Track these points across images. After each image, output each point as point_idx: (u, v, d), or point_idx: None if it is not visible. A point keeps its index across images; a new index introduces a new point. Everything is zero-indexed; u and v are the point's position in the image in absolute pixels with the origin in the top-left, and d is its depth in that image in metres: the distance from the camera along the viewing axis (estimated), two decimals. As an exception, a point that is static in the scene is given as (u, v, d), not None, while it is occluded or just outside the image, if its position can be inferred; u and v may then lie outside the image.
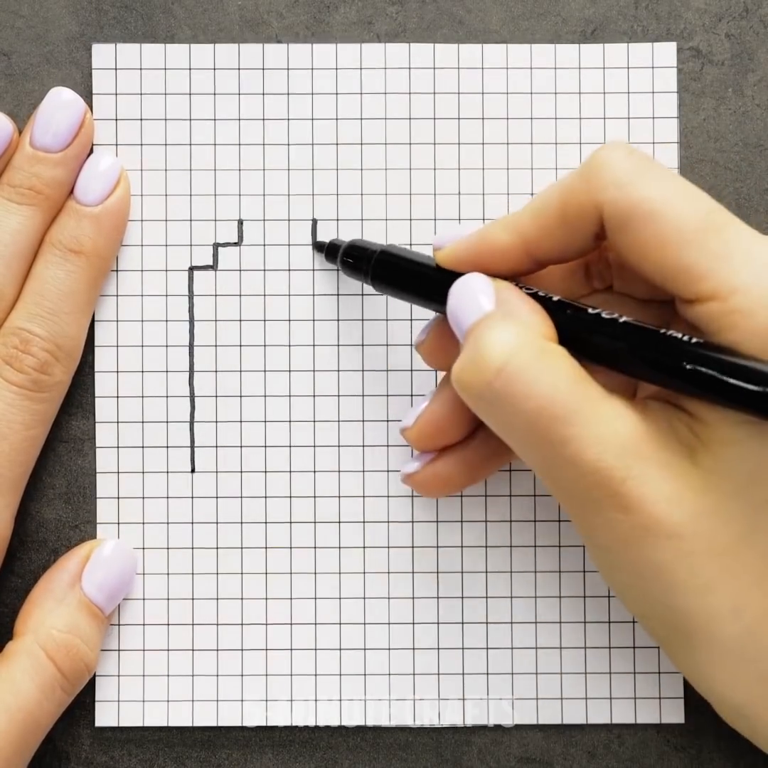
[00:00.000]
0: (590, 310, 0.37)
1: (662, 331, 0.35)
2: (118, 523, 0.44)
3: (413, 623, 0.44)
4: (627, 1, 0.44)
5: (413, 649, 0.44)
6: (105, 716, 0.44)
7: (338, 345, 0.44)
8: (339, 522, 0.44)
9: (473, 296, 0.37)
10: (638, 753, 0.44)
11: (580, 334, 0.37)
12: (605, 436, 0.35)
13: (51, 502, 0.44)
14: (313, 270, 0.44)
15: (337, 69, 0.44)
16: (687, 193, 0.36)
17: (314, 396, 0.44)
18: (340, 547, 0.44)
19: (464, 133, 0.44)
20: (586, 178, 0.37)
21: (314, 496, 0.44)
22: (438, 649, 0.44)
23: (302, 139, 0.44)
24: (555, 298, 0.38)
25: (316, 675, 0.44)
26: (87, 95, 0.44)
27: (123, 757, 0.44)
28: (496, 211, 0.44)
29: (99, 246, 0.43)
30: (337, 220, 0.44)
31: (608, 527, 0.36)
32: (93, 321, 0.44)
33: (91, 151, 0.44)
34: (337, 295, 0.44)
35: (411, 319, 0.44)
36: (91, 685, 0.44)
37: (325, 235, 0.44)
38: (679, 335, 0.35)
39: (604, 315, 0.36)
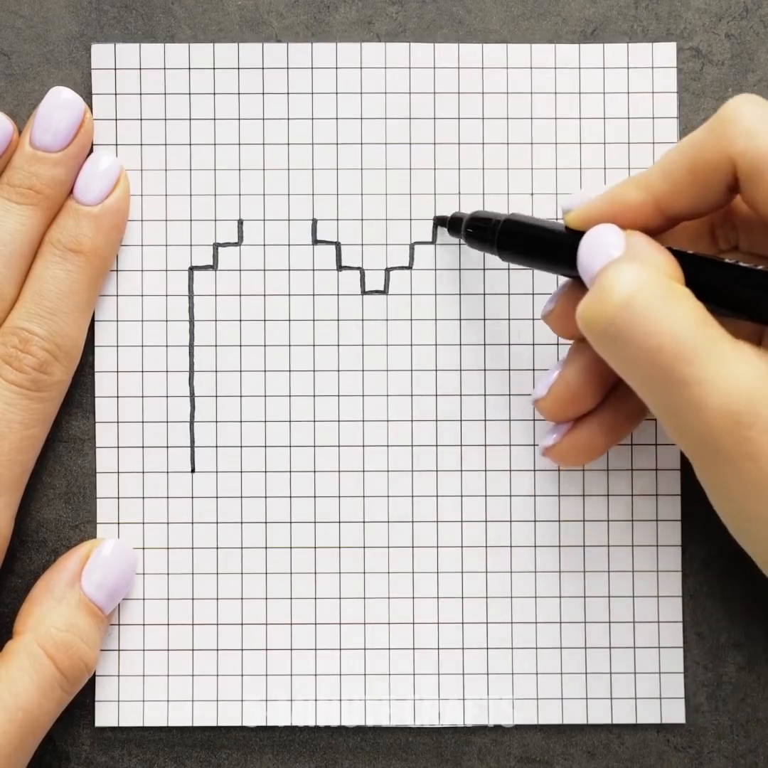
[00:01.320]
0: (727, 260, 0.37)
1: None
2: (118, 523, 0.44)
3: (413, 623, 0.44)
4: (627, 1, 0.44)
5: (413, 649, 0.44)
6: (105, 716, 0.44)
7: (338, 345, 0.44)
8: (339, 522, 0.44)
9: (603, 243, 0.37)
10: (638, 753, 0.44)
11: (715, 282, 0.37)
12: (730, 379, 0.34)
13: (51, 502, 0.44)
14: (313, 270, 0.44)
15: (337, 69, 0.44)
16: None
17: (314, 396, 0.44)
18: (340, 547, 0.44)
19: (464, 133, 0.44)
20: (716, 131, 0.37)
21: (314, 496, 0.44)
22: (438, 649, 0.44)
23: (302, 138, 0.44)
24: (689, 252, 0.37)
25: (316, 675, 0.44)
26: (87, 95, 0.44)
27: (123, 757, 0.44)
28: (496, 211, 0.44)
29: (98, 245, 0.43)
30: (337, 220, 0.44)
31: (736, 476, 0.35)
32: (93, 321, 0.44)
33: (91, 151, 0.44)
34: (337, 295, 0.44)
35: (411, 319, 0.44)
36: (91, 685, 0.44)
37: (324, 235, 0.44)
38: None
39: (741, 264, 0.36)
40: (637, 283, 0.35)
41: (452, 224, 0.43)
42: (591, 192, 0.40)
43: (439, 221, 0.44)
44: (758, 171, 0.36)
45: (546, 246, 0.40)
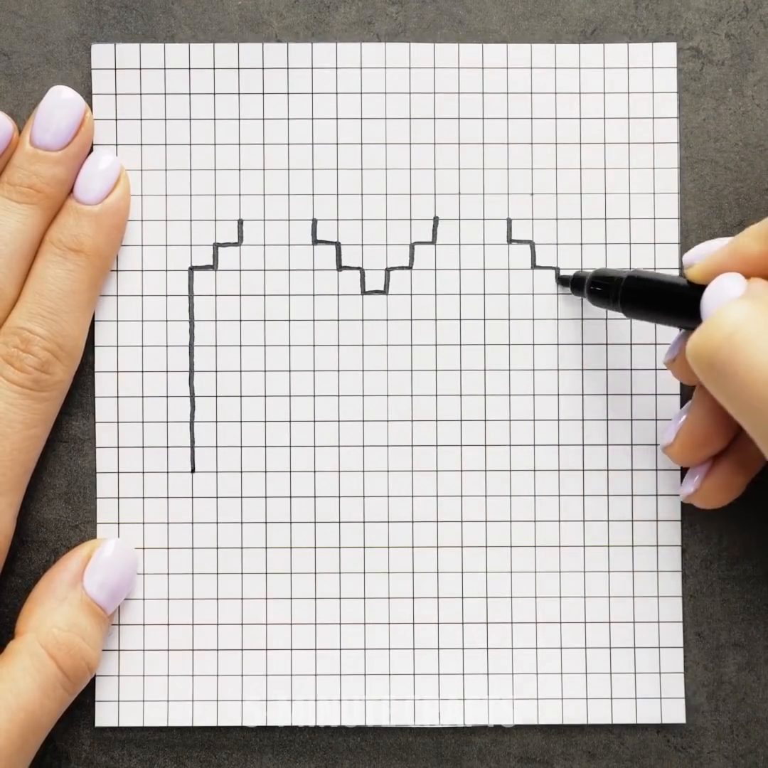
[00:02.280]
0: None
1: None
2: (118, 523, 0.44)
3: (413, 623, 0.44)
4: (627, 1, 0.44)
5: (413, 649, 0.44)
6: (105, 716, 0.44)
7: (338, 345, 0.44)
8: (339, 522, 0.44)
9: (724, 288, 0.37)
10: (638, 753, 0.44)
11: None
12: None
13: (51, 502, 0.44)
14: (313, 270, 0.44)
15: (337, 68, 0.44)
16: None
17: (314, 396, 0.44)
18: (340, 547, 0.44)
19: (464, 133, 0.44)
20: None
21: (314, 496, 0.44)
22: (438, 649, 0.44)
23: (302, 138, 0.44)
24: None
25: (316, 675, 0.44)
26: (87, 95, 0.44)
27: (123, 757, 0.44)
28: (496, 211, 0.44)
29: (99, 245, 0.43)
30: (337, 220, 0.44)
31: None
32: (93, 321, 0.44)
33: (91, 151, 0.44)
34: (337, 295, 0.44)
35: (411, 319, 0.44)
36: (91, 685, 0.44)
37: (324, 235, 0.44)
38: None
39: None
40: (744, 316, 0.35)
41: (575, 283, 0.43)
42: (711, 245, 0.40)
43: (562, 280, 0.44)
44: None
45: (669, 300, 0.40)
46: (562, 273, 0.44)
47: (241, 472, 0.44)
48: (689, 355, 0.37)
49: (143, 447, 0.44)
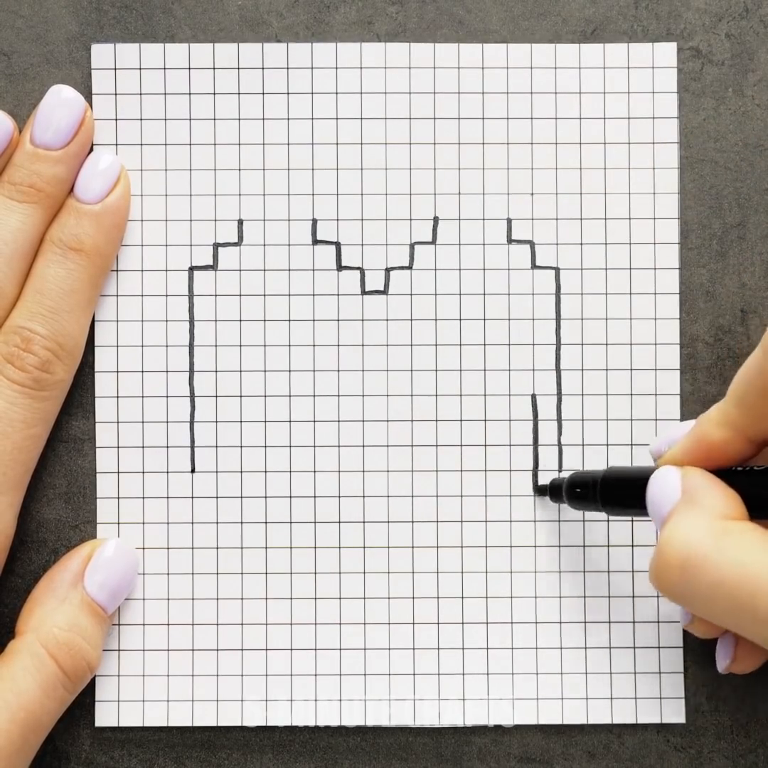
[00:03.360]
0: None
1: None
2: (118, 523, 0.44)
3: (413, 623, 0.44)
4: (627, 1, 0.44)
5: (413, 649, 0.44)
6: (105, 716, 0.44)
7: (338, 345, 0.44)
8: (339, 522, 0.44)
9: (662, 487, 0.38)
10: (638, 753, 0.44)
11: None
12: None
13: (51, 502, 0.44)
14: (313, 270, 0.44)
15: (337, 68, 0.44)
16: None
17: (314, 396, 0.44)
18: (340, 547, 0.44)
19: (464, 133, 0.44)
20: None
21: (314, 496, 0.44)
22: (438, 649, 0.44)
23: (302, 138, 0.44)
24: (758, 467, 0.37)
25: (316, 675, 0.44)
26: (87, 95, 0.44)
27: (123, 757, 0.44)
28: (496, 211, 0.44)
29: (99, 244, 0.43)
30: (337, 220, 0.44)
31: None
32: (93, 321, 0.44)
33: (91, 151, 0.44)
34: (337, 295, 0.44)
35: (411, 319, 0.44)
36: (91, 685, 0.43)
37: (324, 235, 0.44)
38: None
39: None
40: (689, 541, 0.35)
41: (553, 491, 0.43)
42: (675, 432, 0.40)
43: (540, 490, 0.44)
44: None
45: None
46: (539, 482, 0.44)
47: (241, 472, 0.44)
48: (654, 586, 0.37)
49: (143, 447, 0.44)
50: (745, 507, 0.37)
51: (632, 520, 0.44)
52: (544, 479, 0.44)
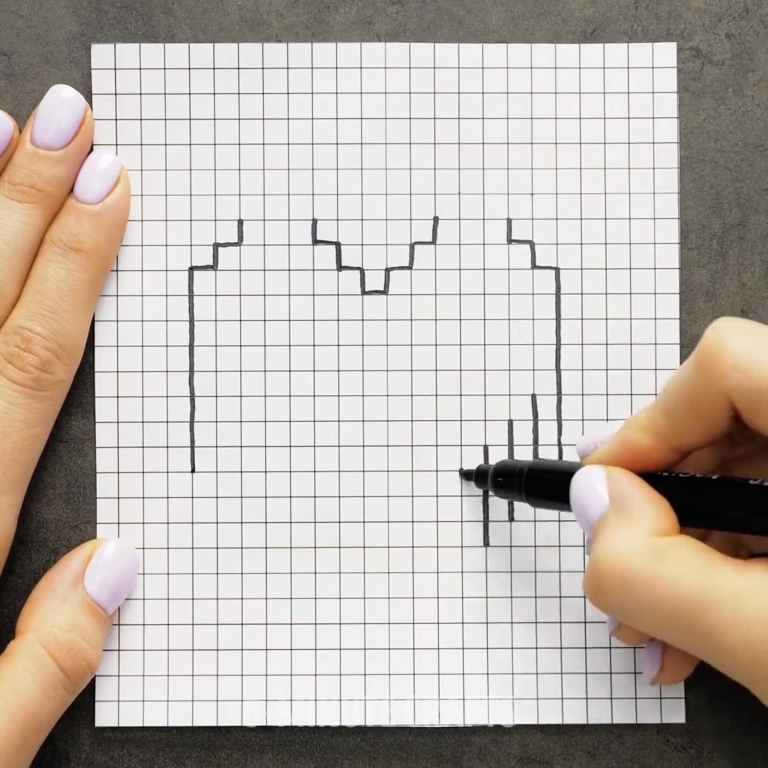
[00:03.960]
0: (752, 482, 0.36)
1: None
2: (118, 523, 0.44)
3: (413, 623, 0.44)
4: (627, 1, 0.44)
5: (413, 649, 0.44)
6: (105, 716, 0.44)
7: (338, 345, 0.44)
8: (339, 522, 0.44)
9: (586, 489, 0.38)
10: (638, 753, 0.44)
11: (745, 506, 0.36)
12: (748, 613, 0.34)
13: (51, 502, 0.44)
14: (313, 270, 0.44)
15: (337, 68, 0.44)
16: None
17: (314, 396, 0.44)
18: (340, 547, 0.44)
19: (464, 133, 0.44)
20: (705, 368, 0.36)
21: (314, 496, 0.44)
22: (438, 649, 0.44)
23: (302, 138, 0.44)
24: (713, 478, 0.37)
25: (316, 675, 0.44)
26: (87, 95, 0.44)
27: (123, 757, 0.44)
28: (496, 211, 0.44)
29: (99, 244, 0.43)
30: (337, 220, 0.44)
31: None
32: (93, 321, 0.44)
33: (91, 151, 0.44)
34: (337, 295, 0.44)
35: (411, 319, 0.44)
36: (91, 685, 0.43)
37: (324, 235, 0.44)
38: None
39: (767, 483, 0.36)
40: (624, 558, 0.36)
41: (478, 477, 0.44)
42: (602, 433, 0.40)
43: (465, 475, 0.44)
44: (756, 403, 0.35)
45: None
46: (465, 468, 0.44)
47: (241, 472, 0.44)
48: (588, 599, 0.37)
49: (143, 447, 0.44)
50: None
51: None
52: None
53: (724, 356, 0.35)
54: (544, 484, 0.41)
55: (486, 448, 0.44)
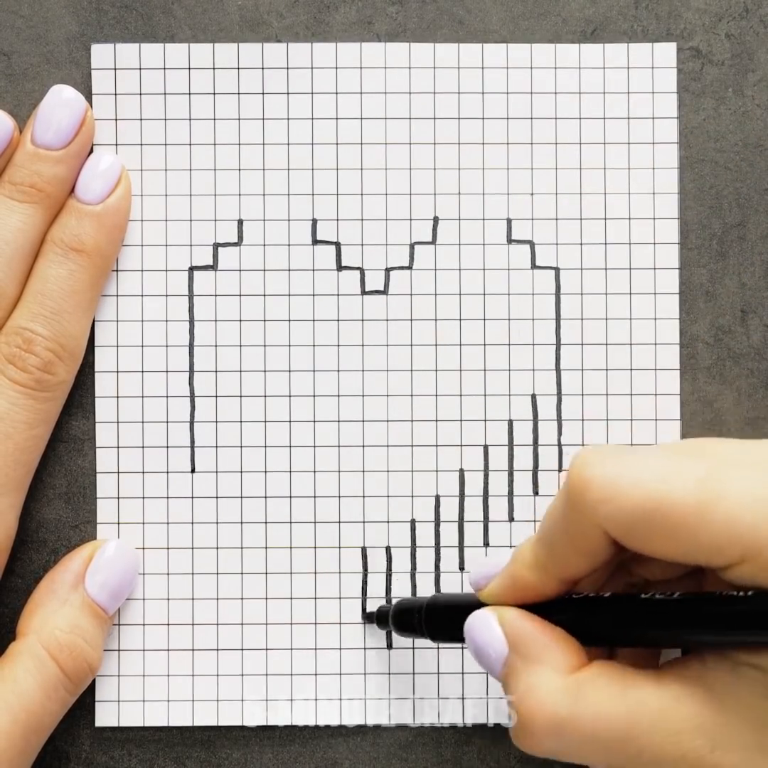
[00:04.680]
0: (643, 596, 0.36)
1: (719, 593, 0.34)
2: (118, 523, 0.44)
3: (413, 623, 0.44)
4: (627, 1, 0.44)
5: (413, 648, 0.44)
6: (105, 716, 0.44)
7: (338, 345, 0.44)
8: (339, 522, 0.44)
9: (482, 636, 0.38)
10: (638, 753, 0.44)
11: (641, 622, 0.36)
12: (674, 725, 0.35)
13: (51, 502, 0.44)
14: (313, 270, 0.44)
15: (337, 68, 0.44)
16: (670, 474, 0.35)
17: (314, 396, 0.44)
18: (340, 547, 0.44)
19: (464, 133, 0.44)
20: (573, 503, 0.36)
21: (314, 496, 0.44)
22: (438, 648, 0.44)
23: (302, 138, 0.44)
24: (606, 596, 0.37)
25: (316, 674, 0.44)
26: (87, 95, 0.44)
27: (123, 757, 0.44)
28: (496, 211, 0.44)
29: (100, 244, 0.43)
30: (337, 220, 0.44)
31: None
32: (93, 321, 0.44)
33: (91, 151, 0.44)
34: (337, 295, 0.44)
35: (411, 319, 0.44)
36: (91, 685, 0.43)
37: (324, 235, 0.44)
38: (736, 593, 0.34)
39: (658, 596, 0.36)
40: (548, 708, 0.36)
41: (380, 619, 0.43)
42: (491, 564, 0.39)
43: (367, 618, 0.44)
44: (629, 531, 0.35)
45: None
46: (368, 609, 0.44)
47: (241, 472, 0.44)
48: (521, 748, 0.38)
49: (143, 447, 0.44)
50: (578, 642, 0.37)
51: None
52: (543, 478, 0.44)
53: (590, 490, 0.35)
54: (443, 625, 0.41)
55: (486, 448, 0.44)
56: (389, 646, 0.44)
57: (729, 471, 0.34)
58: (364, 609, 0.44)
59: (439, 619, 0.41)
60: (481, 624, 0.38)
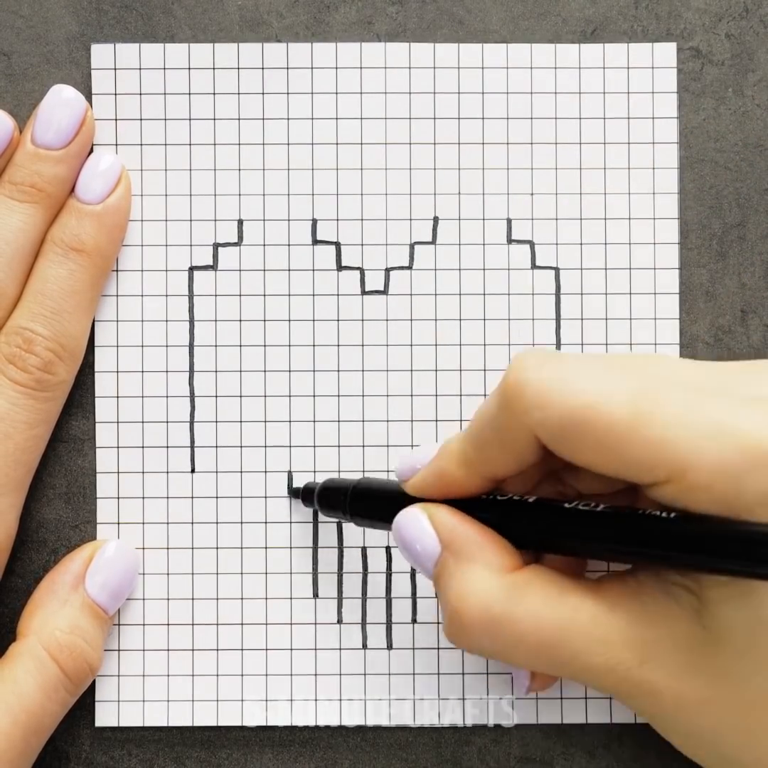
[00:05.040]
0: (566, 505, 0.37)
1: (640, 511, 0.35)
2: (118, 523, 0.44)
3: (413, 623, 0.44)
4: (627, 1, 0.44)
5: (413, 648, 0.44)
6: (105, 716, 0.44)
7: (338, 345, 0.44)
8: (338, 522, 0.44)
9: (413, 534, 0.38)
10: (638, 753, 0.44)
11: (561, 531, 0.37)
12: (606, 635, 0.35)
13: (51, 502, 0.44)
14: (313, 270, 0.44)
15: (337, 68, 0.44)
16: (605, 386, 0.35)
17: (314, 396, 0.44)
18: (339, 547, 0.44)
19: (464, 133, 0.44)
20: (507, 406, 0.36)
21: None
22: (438, 648, 0.44)
23: (302, 138, 0.44)
24: (530, 500, 0.38)
25: (316, 675, 0.44)
26: (87, 95, 0.44)
27: (123, 757, 0.44)
28: (496, 211, 0.44)
29: (101, 244, 0.43)
30: (337, 220, 0.44)
31: (646, 708, 0.36)
32: (93, 321, 0.44)
33: (91, 151, 0.44)
34: (337, 295, 0.44)
35: (411, 319, 0.44)
36: (91, 685, 0.43)
37: (324, 235, 0.44)
38: (658, 512, 0.34)
39: (581, 507, 0.36)
40: (484, 604, 0.36)
41: (305, 495, 0.43)
42: (419, 456, 0.39)
43: (293, 493, 0.44)
44: (559, 438, 0.35)
45: (396, 511, 0.39)
46: (294, 485, 0.44)
47: (242, 472, 0.44)
48: (451, 643, 0.38)
49: (143, 447, 0.44)
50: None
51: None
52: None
53: (525, 394, 0.35)
54: (369, 508, 0.41)
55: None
56: (389, 646, 0.44)
57: (665, 390, 0.34)
58: (363, 615, 0.44)
59: (365, 503, 0.41)
60: (413, 522, 0.38)
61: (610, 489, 0.39)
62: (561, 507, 0.37)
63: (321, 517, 0.44)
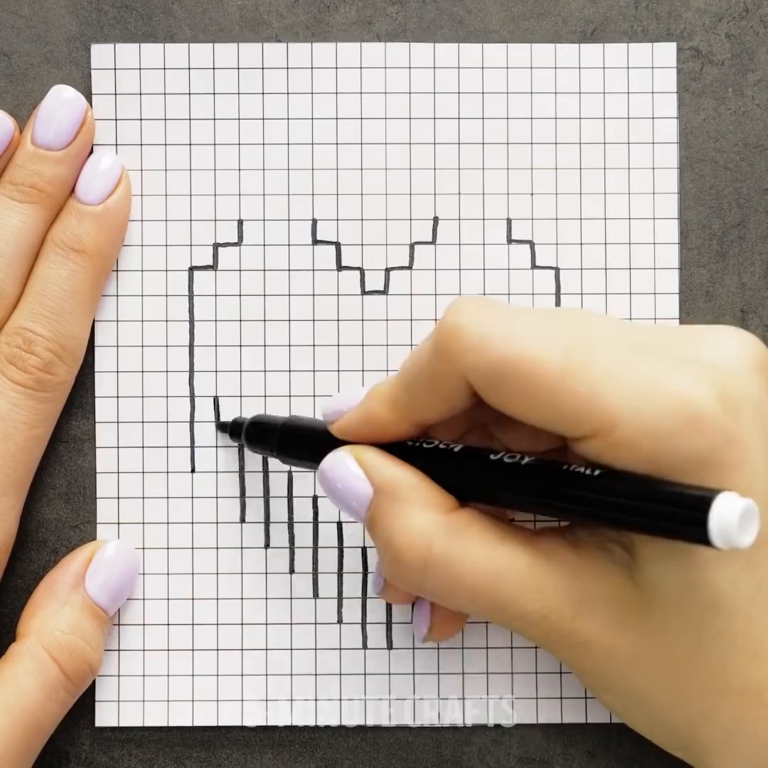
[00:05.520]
0: (492, 456, 0.37)
1: (565, 467, 0.35)
2: (118, 523, 0.44)
3: (413, 623, 0.44)
4: (627, 1, 0.44)
5: (413, 648, 0.44)
6: (105, 716, 0.44)
7: (338, 345, 0.44)
8: (339, 521, 0.44)
9: (343, 477, 0.38)
10: (638, 753, 0.44)
11: (485, 482, 0.37)
12: (541, 584, 0.36)
13: (51, 502, 0.44)
14: (313, 270, 0.44)
15: (336, 68, 0.44)
16: (541, 336, 0.35)
17: (314, 396, 0.44)
18: (340, 547, 0.44)
19: (464, 133, 0.44)
20: (440, 350, 0.36)
21: (314, 496, 0.44)
22: (438, 648, 0.44)
23: (302, 138, 0.44)
24: (456, 449, 0.38)
25: (316, 675, 0.44)
26: (87, 95, 0.44)
27: (123, 757, 0.44)
28: (496, 211, 0.44)
29: (101, 245, 0.43)
30: (337, 220, 0.44)
31: (576, 661, 0.37)
32: (93, 321, 0.44)
33: (91, 151, 0.44)
34: (337, 295, 0.44)
35: (411, 319, 0.44)
36: (91, 685, 0.43)
37: (324, 235, 0.44)
38: (582, 469, 0.35)
39: (506, 459, 0.36)
40: (425, 543, 0.36)
41: (233, 430, 0.43)
42: (347, 399, 0.40)
43: (221, 427, 0.44)
44: (489, 382, 0.35)
45: (321, 452, 0.39)
46: (222, 419, 0.44)
47: (242, 472, 0.44)
48: (391, 582, 0.38)
49: (143, 447, 0.44)
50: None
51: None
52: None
53: (459, 338, 0.36)
54: (297, 448, 0.41)
55: (486, 448, 0.44)
56: (389, 646, 0.44)
57: (600, 345, 0.35)
58: (363, 615, 0.44)
59: (292, 442, 0.41)
60: (341, 465, 0.38)
61: (538, 447, 0.39)
62: (486, 457, 0.37)
63: (321, 517, 0.44)
